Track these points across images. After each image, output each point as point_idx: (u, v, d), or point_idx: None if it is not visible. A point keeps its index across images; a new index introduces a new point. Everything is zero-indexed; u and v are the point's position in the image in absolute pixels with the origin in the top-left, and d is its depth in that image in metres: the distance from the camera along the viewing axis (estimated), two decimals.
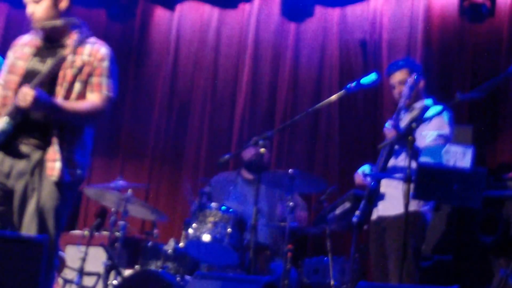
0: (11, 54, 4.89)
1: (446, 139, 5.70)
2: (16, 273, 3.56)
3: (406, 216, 4.97)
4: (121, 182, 7.07)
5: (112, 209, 7.08)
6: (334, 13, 8.64)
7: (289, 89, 8.65)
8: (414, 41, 8.07)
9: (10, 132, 4.56)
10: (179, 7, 9.41)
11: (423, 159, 5.10)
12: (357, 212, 5.76)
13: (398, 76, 6.02)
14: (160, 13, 9.56)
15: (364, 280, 5.32)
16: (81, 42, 4.69)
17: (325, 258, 6.74)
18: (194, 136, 9.07)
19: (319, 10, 8.70)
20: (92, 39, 4.83)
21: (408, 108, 6.01)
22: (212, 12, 9.29)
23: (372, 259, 6.13)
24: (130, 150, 9.35)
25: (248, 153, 7.41)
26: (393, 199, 5.74)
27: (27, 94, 4.45)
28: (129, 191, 6.91)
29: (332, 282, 6.49)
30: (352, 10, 8.56)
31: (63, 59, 4.64)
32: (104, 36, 9.12)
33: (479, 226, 6.32)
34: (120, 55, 9.31)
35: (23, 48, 4.84)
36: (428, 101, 5.99)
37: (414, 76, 5.90)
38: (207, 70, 9.16)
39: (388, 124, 5.71)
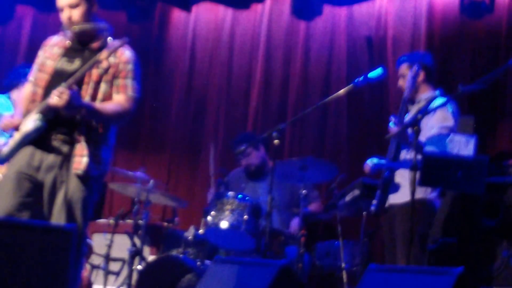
0: (41, 54, 4.92)
1: (450, 130, 5.67)
2: (47, 260, 3.57)
3: (412, 203, 4.98)
4: (142, 174, 7.09)
5: (135, 199, 7.10)
6: (342, 12, 8.61)
7: (300, 84, 8.63)
8: (418, 37, 8.04)
9: (43, 129, 4.57)
10: (195, 8, 9.39)
11: (429, 148, 5.09)
12: (374, 201, 5.77)
13: (413, 72, 5.99)
14: (177, 14, 9.55)
15: (373, 262, 5.30)
16: (117, 49, 4.70)
17: (336, 242, 6.73)
18: (210, 129, 9.07)
19: (327, 9, 8.67)
20: (117, 42, 4.84)
21: (415, 99, 6.00)
22: (226, 13, 9.28)
23: (385, 243, 6.13)
24: (151, 143, 9.37)
25: (250, 159, 7.42)
26: (401, 188, 5.73)
27: (63, 94, 4.47)
28: (151, 182, 6.93)
29: (343, 265, 6.48)
30: (359, 9, 8.53)
31: (98, 62, 4.65)
32: (124, 36, 9.24)
33: (482, 210, 6.29)
34: (140, 54, 9.26)
35: (53, 49, 4.87)
36: (435, 93, 5.96)
37: (415, 68, 5.89)
38: (222, 67, 9.16)
39: (392, 123, 5.70)
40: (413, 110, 5.99)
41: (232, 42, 9.19)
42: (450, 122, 5.76)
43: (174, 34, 9.53)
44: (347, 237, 6.71)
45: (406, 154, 5.83)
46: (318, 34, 8.70)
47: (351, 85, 5.84)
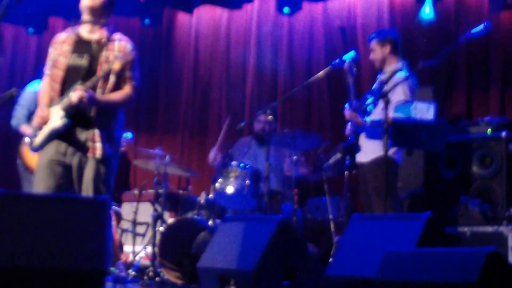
0: (52, 50, 4.81)
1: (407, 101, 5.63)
2: (89, 226, 3.57)
3: (386, 163, 5.00)
4: (160, 151, 7.06)
5: (155, 172, 7.08)
6: (318, 7, 8.54)
7: (287, 69, 8.58)
8: (382, 24, 7.97)
9: (70, 124, 4.55)
10: (196, 11, 9.35)
11: (396, 115, 5.06)
12: (347, 158, 5.76)
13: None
14: (181, 17, 9.52)
15: (355, 212, 5.29)
16: (128, 61, 4.63)
17: (324, 198, 6.74)
18: (215, 111, 9.07)
19: (306, 5, 8.60)
20: (118, 36, 4.77)
21: (382, 70, 5.91)
22: (222, 13, 9.23)
23: (362, 197, 6.10)
24: (166, 125, 9.41)
25: (256, 126, 7.38)
26: (366, 148, 5.72)
27: (84, 97, 4.47)
28: (168, 157, 6.91)
29: (330, 217, 6.48)
30: (332, 3, 8.45)
31: (113, 71, 4.59)
32: (139, 38, 9.24)
33: (443, 164, 6.28)
34: (153, 51, 9.45)
35: (62, 46, 4.75)
36: (399, 65, 5.85)
37: (353, 69, 5.76)
38: (221, 58, 9.12)
39: (347, 108, 5.68)
40: (380, 79, 5.93)
41: (229, 37, 9.15)
42: (407, 97, 5.64)
43: (179, 33, 9.52)
44: (332, 193, 6.71)
45: (371, 117, 5.80)
46: (300, 26, 8.65)
47: (329, 67, 5.84)
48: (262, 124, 7.30)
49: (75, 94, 4.48)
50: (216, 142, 7.37)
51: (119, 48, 4.69)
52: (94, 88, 4.56)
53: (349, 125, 5.88)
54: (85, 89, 4.49)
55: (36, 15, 9.37)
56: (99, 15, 4.72)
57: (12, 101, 6.32)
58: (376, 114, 5.67)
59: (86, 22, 4.75)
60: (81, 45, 4.71)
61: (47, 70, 4.81)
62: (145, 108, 9.40)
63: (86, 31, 4.76)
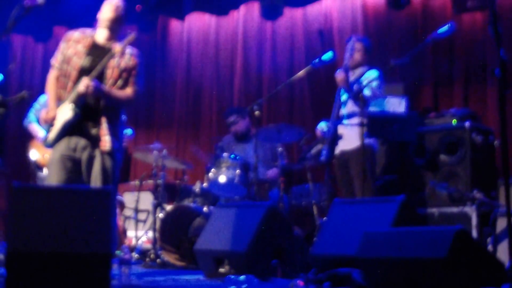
0: (65, 46, 4.74)
1: (376, 91, 5.70)
2: (95, 214, 3.61)
3: (364, 152, 5.02)
4: (157, 145, 7.06)
5: (154, 164, 7.07)
6: (298, 12, 8.53)
7: (270, 69, 8.57)
8: (356, 27, 7.98)
9: (79, 115, 4.54)
10: (187, 18, 9.31)
11: (371, 108, 5.10)
12: (324, 152, 5.79)
13: (351, 45, 5.98)
14: (174, 23, 9.50)
15: (336, 198, 5.31)
16: (128, 41, 4.68)
17: (307, 185, 6.74)
18: (206, 108, 9.07)
19: (287, 10, 8.57)
20: (129, 49, 4.78)
21: (353, 69, 5.97)
22: (211, 19, 9.21)
23: (339, 183, 6.14)
24: (162, 122, 9.38)
25: (238, 127, 7.34)
26: (349, 137, 5.75)
27: (89, 85, 4.46)
28: (165, 151, 6.91)
29: (313, 202, 6.49)
30: (311, 9, 8.44)
31: (113, 55, 4.59)
32: (136, 44, 9.16)
33: (413, 152, 6.31)
34: (149, 56, 9.40)
35: (77, 45, 4.71)
36: (366, 67, 5.96)
37: (353, 40, 5.87)
38: (211, 61, 9.10)
39: (339, 71, 5.69)
40: (351, 77, 5.97)
41: (217, 41, 9.14)
42: (379, 88, 5.75)
43: (173, 38, 9.50)
44: (315, 180, 6.70)
45: (346, 109, 5.85)
46: (282, 30, 8.64)
47: (309, 66, 5.87)
48: (237, 126, 7.30)
49: (82, 83, 4.48)
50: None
51: (129, 58, 4.74)
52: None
53: (319, 127, 5.98)
54: (91, 78, 4.49)
55: (41, 24, 9.33)
56: (116, 27, 4.73)
57: (23, 103, 6.29)
58: (350, 107, 5.76)
59: (103, 32, 4.73)
60: (95, 50, 4.68)
61: (56, 63, 4.75)
62: (143, 106, 9.39)
63: (102, 38, 4.73)
